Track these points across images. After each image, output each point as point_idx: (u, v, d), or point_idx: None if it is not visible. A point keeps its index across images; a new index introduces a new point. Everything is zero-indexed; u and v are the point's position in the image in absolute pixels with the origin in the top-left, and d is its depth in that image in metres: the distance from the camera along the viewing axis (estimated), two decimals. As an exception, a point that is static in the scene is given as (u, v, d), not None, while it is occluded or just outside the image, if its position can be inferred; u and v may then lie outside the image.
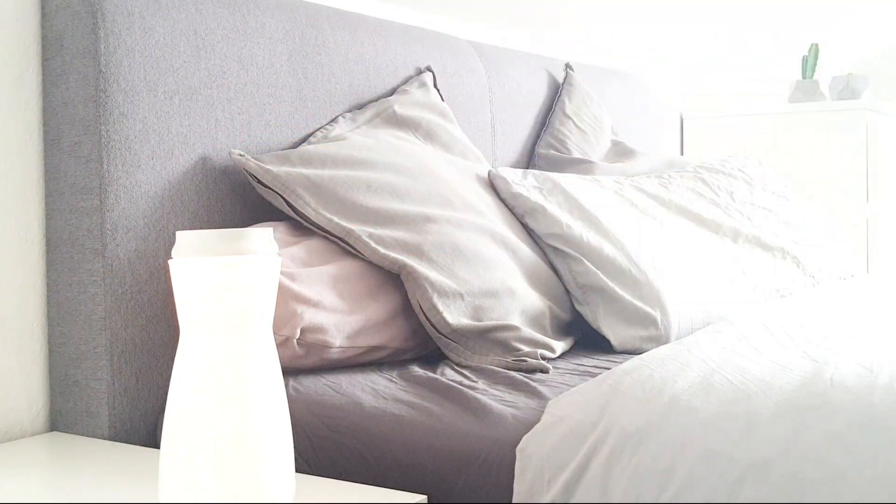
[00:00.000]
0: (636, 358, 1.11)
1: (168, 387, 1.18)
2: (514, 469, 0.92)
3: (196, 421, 0.76)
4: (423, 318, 1.25)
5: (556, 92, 2.05)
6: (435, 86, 1.65)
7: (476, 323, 1.26)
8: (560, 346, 1.33)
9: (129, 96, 1.15)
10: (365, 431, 1.03)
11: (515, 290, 1.33)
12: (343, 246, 1.26)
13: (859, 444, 0.79)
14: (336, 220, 1.25)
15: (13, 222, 1.16)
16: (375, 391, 1.11)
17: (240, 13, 1.31)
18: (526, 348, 1.26)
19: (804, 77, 2.99)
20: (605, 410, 0.92)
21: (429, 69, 1.66)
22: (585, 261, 1.42)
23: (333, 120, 1.44)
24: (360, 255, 1.25)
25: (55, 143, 1.16)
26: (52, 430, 1.19)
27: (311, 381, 1.15)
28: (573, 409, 0.94)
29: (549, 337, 1.34)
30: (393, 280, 1.27)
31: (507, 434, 0.95)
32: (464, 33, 2.04)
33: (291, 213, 1.26)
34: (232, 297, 0.77)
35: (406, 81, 1.61)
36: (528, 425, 0.95)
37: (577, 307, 1.44)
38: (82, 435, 1.15)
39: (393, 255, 1.25)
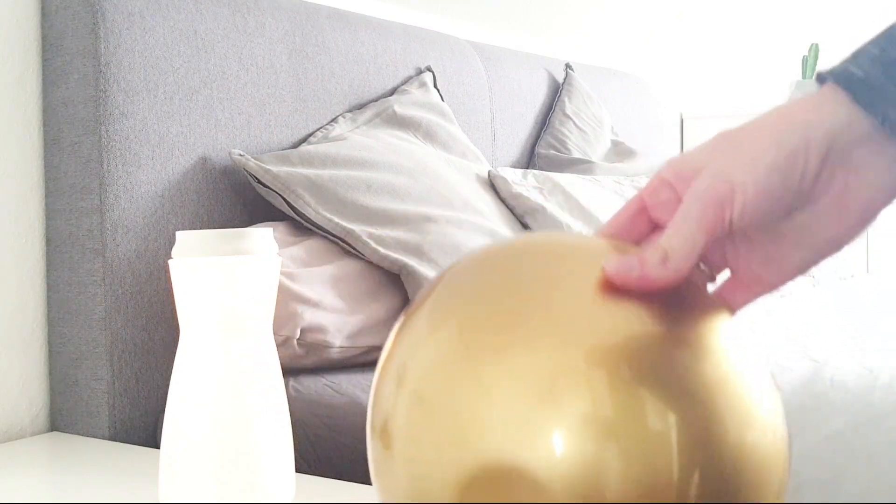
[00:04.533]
0: (636, 358, 1.11)
1: (168, 387, 1.18)
2: (514, 469, 0.91)
3: (196, 421, 0.76)
4: (423, 318, 1.25)
5: (556, 92, 2.05)
6: (435, 86, 1.65)
7: (476, 323, 1.25)
8: (560, 346, 1.33)
9: (129, 96, 1.15)
10: (365, 431, 1.02)
11: (515, 290, 1.33)
12: (343, 246, 1.26)
13: (859, 445, 0.79)
14: (336, 220, 1.25)
15: (13, 222, 1.16)
16: (375, 391, 1.11)
17: (240, 13, 1.31)
18: (526, 348, 1.25)
19: (804, 77, 2.99)
20: (605, 410, 0.91)
21: (429, 69, 1.66)
22: (585, 261, 1.42)
23: (333, 120, 1.44)
24: (360, 255, 1.25)
25: (55, 143, 1.16)
26: (52, 430, 1.19)
27: (311, 381, 1.15)
28: (573, 409, 0.94)
29: (549, 337, 1.33)
30: (393, 280, 1.27)
31: (507, 434, 0.95)
32: (464, 33, 2.04)
33: (291, 213, 1.26)
34: (232, 297, 0.77)
35: (406, 81, 1.61)
36: (528, 425, 0.95)
37: (577, 307, 1.43)
38: (82, 435, 1.15)
39: (393, 255, 1.25)
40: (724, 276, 0.52)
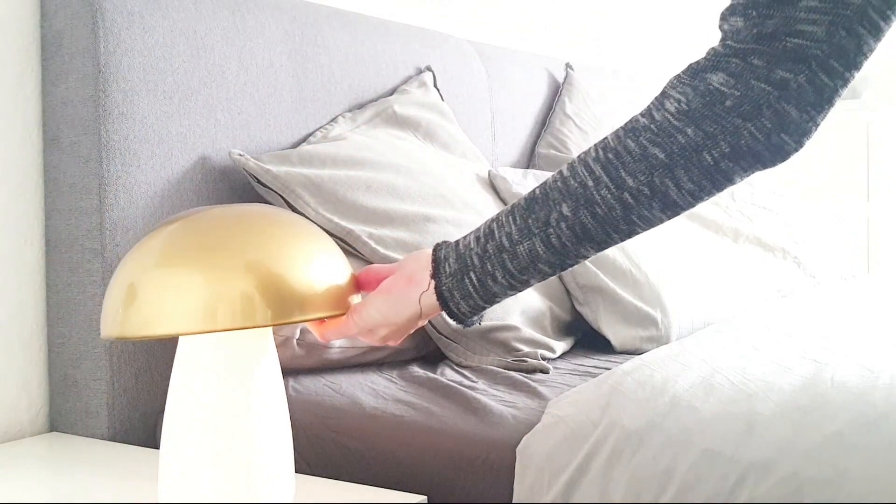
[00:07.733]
0: (637, 358, 1.11)
1: (168, 387, 1.18)
2: (514, 469, 0.91)
3: (196, 421, 0.76)
4: (423, 319, 1.25)
5: (556, 92, 2.05)
6: (435, 85, 1.64)
7: (476, 323, 1.25)
8: (560, 346, 1.33)
9: (129, 96, 1.14)
10: (365, 431, 1.02)
11: (515, 291, 1.33)
12: (343, 246, 1.26)
13: (860, 445, 0.79)
14: (336, 220, 1.25)
15: (12, 222, 1.16)
16: (375, 391, 1.11)
17: (239, 13, 1.31)
18: (526, 348, 1.25)
19: (804, 77, 2.98)
20: (606, 411, 0.91)
21: (429, 69, 1.65)
22: (586, 261, 1.42)
23: (333, 120, 1.44)
24: (360, 255, 1.25)
25: (54, 142, 1.16)
26: (51, 431, 1.19)
27: (310, 382, 1.15)
28: (574, 409, 0.94)
29: (549, 337, 1.33)
30: (393, 280, 1.27)
31: (507, 434, 0.95)
32: (464, 33, 2.04)
33: (291, 213, 1.26)
34: (231, 297, 0.77)
35: (406, 81, 1.61)
36: (529, 426, 0.95)
37: (578, 307, 1.43)
38: (82, 435, 1.15)
39: (393, 255, 1.24)
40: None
